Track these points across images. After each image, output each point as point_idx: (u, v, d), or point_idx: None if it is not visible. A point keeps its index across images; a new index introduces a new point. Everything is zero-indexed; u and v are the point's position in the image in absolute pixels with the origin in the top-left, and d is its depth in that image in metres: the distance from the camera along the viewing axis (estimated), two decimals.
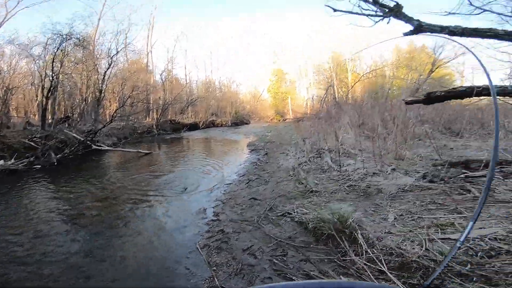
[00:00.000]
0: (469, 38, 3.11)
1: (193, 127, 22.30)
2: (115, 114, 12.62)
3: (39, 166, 7.54)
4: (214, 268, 2.60)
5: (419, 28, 3.09)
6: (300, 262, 2.62)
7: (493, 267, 1.85)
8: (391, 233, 2.60)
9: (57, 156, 8.30)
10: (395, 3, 3.14)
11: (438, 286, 1.80)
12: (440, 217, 2.67)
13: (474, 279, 1.77)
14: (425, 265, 2.02)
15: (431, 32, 3.13)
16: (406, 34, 3.22)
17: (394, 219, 2.88)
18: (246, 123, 28.34)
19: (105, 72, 14.99)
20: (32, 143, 8.49)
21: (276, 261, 2.70)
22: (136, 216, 4.10)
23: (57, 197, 5.16)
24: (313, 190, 4.41)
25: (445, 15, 3.47)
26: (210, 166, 7.75)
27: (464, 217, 2.64)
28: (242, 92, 37.22)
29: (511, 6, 3.42)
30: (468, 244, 2.16)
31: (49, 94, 10.36)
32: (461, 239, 1.14)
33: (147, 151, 10.43)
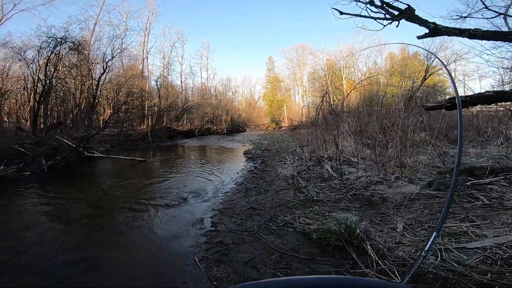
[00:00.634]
0: (471, 41, 3.08)
1: (189, 134, 22.22)
2: (108, 120, 12.38)
3: (29, 173, 7.26)
4: (215, 282, 2.42)
5: (435, 30, 3.03)
6: (305, 275, 2.51)
7: None
8: (401, 243, 2.48)
9: (48, 163, 8.02)
10: (406, 6, 3.09)
11: None
12: (452, 226, 2.56)
13: None
14: (443, 276, 1.90)
15: (448, 35, 3.08)
16: (420, 37, 3.17)
17: (403, 228, 2.76)
18: (242, 131, 28.43)
19: (100, 77, 14.81)
20: (22, 149, 8.19)
21: (280, 275, 2.54)
22: (130, 227, 3.87)
23: (46, 204, 4.93)
24: (314, 199, 4.29)
25: (455, 18, 3.46)
26: (206, 174, 7.57)
27: (477, 225, 2.53)
28: (237, 99, 37.45)
29: None
30: (485, 253, 2.06)
31: (42, 99, 10.09)
32: (426, 249, 1.21)
33: (142, 159, 10.20)
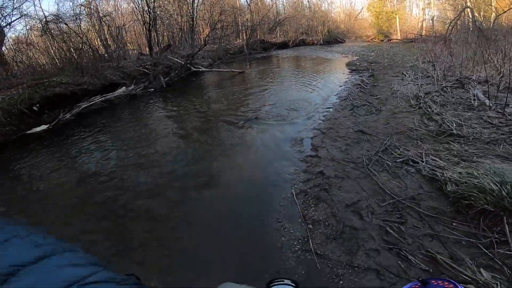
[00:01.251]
0: None
1: (283, 45, 21.75)
2: (207, 37, 12.61)
3: (152, 89, 8.53)
4: (310, 225, 2.08)
5: None
6: (423, 237, 1.89)
7: None
8: None
9: (165, 79, 9.16)
10: None
11: None
12: None
13: None
14: None
15: None
16: None
17: None
18: (341, 42, 25.40)
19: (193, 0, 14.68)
20: (145, 70, 9.55)
21: (389, 230, 1.97)
22: (233, 144, 3.86)
23: (167, 117, 5.60)
24: (453, 132, 3.02)
25: None
26: (304, 86, 6.93)
27: None
28: (334, 11, 33.77)
29: None
30: None
31: (150, 27, 11.00)
32: None
33: (240, 70, 10.50)
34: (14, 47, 8.54)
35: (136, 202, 2.66)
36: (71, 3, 10.43)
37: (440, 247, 1.77)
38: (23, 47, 8.53)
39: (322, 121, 4.12)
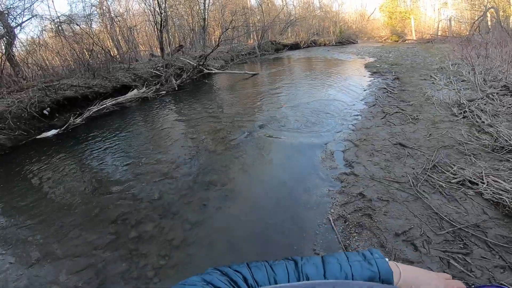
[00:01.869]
0: None
1: (294, 46, 21.71)
2: (219, 39, 12.36)
3: (164, 92, 8.29)
4: None
5: None
6: (494, 268, 1.61)
7: None
8: None
9: (177, 82, 8.91)
10: None
11: None
12: None
13: None
14: None
15: None
16: None
17: None
18: (353, 43, 25.16)
19: (205, 0, 14.56)
20: (157, 72, 9.34)
21: (452, 261, 1.68)
22: (252, 156, 3.47)
23: (181, 121, 5.31)
24: None
25: None
26: (324, 89, 6.54)
27: None
28: (345, 11, 33.75)
29: None
30: None
31: (162, 27, 10.82)
32: None
33: (254, 72, 10.20)
34: (25, 48, 8.47)
35: (148, 223, 2.34)
36: (83, 4, 10.38)
37: None
38: (33, 49, 8.45)
39: (352, 131, 3.70)
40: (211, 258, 1.95)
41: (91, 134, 5.00)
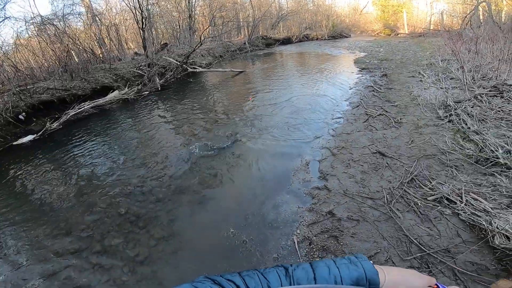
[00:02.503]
0: None
1: (286, 41, 21.24)
2: (202, 35, 11.95)
3: (147, 92, 7.99)
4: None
5: None
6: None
7: None
8: None
9: (160, 81, 8.61)
10: None
11: None
12: None
13: None
14: None
15: None
16: None
17: None
18: (346, 37, 24.80)
19: None
20: (140, 71, 9.03)
21: None
22: (222, 168, 3.27)
23: (166, 122, 5.10)
24: (499, 161, 2.41)
25: None
26: (310, 88, 6.35)
27: None
28: (338, 5, 33.27)
29: None
30: None
31: (143, 26, 10.39)
32: None
33: (240, 70, 9.95)
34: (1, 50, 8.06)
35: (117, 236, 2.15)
36: (63, 3, 9.94)
37: None
38: (7, 50, 8.06)
39: (332, 137, 3.51)
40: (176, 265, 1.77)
41: (69, 139, 4.80)
